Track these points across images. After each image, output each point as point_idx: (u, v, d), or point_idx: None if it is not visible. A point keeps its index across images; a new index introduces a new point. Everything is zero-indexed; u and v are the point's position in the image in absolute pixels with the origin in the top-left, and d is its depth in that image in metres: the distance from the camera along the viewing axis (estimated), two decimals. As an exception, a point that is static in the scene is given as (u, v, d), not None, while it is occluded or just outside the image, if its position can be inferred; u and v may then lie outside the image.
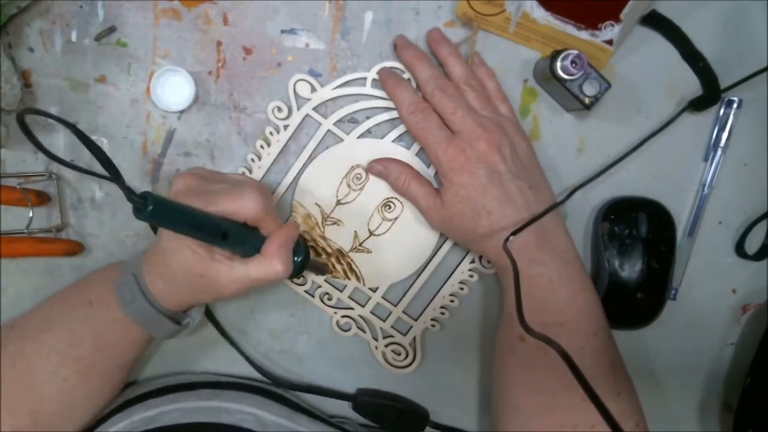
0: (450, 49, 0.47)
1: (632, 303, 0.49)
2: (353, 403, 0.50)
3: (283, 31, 0.48)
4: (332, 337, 0.51)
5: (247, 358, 0.49)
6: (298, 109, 0.48)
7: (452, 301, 0.50)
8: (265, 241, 0.41)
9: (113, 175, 0.32)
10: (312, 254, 0.46)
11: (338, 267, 0.50)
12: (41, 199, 0.48)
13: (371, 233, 0.49)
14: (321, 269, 0.49)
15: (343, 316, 0.50)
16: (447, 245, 0.50)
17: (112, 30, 0.48)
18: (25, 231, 0.48)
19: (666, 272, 0.49)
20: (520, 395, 0.45)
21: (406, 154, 0.49)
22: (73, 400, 0.43)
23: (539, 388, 0.43)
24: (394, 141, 0.49)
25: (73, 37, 0.48)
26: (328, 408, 0.51)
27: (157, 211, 0.33)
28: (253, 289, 0.42)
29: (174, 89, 0.48)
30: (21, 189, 0.47)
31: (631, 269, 0.48)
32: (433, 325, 0.51)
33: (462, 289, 0.50)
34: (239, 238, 0.40)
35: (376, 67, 0.48)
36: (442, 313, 0.51)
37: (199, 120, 0.49)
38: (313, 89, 0.48)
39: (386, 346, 0.51)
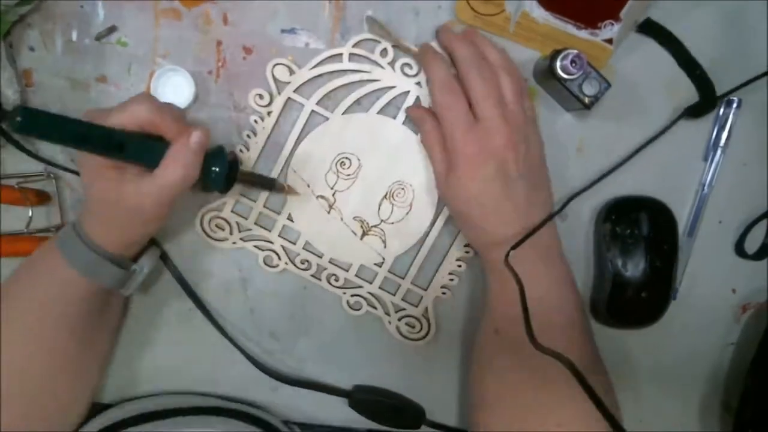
0: (487, 40, 0.46)
1: (637, 302, 0.49)
2: (349, 399, 0.50)
3: (283, 31, 0.48)
4: (332, 339, 0.51)
5: (243, 352, 0.49)
6: (279, 94, 0.48)
7: (459, 266, 0.50)
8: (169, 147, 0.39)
9: None
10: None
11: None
12: (41, 198, 0.48)
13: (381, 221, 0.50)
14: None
15: (353, 295, 0.50)
16: (446, 210, 0.49)
17: (112, 30, 0.48)
18: (25, 230, 0.48)
19: (669, 270, 0.49)
20: (490, 388, 0.45)
21: (395, 124, 0.49)
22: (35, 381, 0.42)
23: (509, 383, 0.43)
24: (379, 113, 0.49)
25: (74, 36, 0.48)
26: (324, 412, 0.52)
27: (31, 123, 0.32)
28: (176, 206, 0.41)
29: (174, 89, 0.48)
30: (20, 188, 0.47)
31: (634, 269, 0.48)
32: (444, 293, 0.50)
33: (468, 252, 0.50)
34: (140, 148, 0.38)
35: (352, 41, 0.48)
36: (451, 280, 0.50)
37: (199, 120, 0.49)
38: (291, 72, 0.48)
39: (399, 319, 0.50)
